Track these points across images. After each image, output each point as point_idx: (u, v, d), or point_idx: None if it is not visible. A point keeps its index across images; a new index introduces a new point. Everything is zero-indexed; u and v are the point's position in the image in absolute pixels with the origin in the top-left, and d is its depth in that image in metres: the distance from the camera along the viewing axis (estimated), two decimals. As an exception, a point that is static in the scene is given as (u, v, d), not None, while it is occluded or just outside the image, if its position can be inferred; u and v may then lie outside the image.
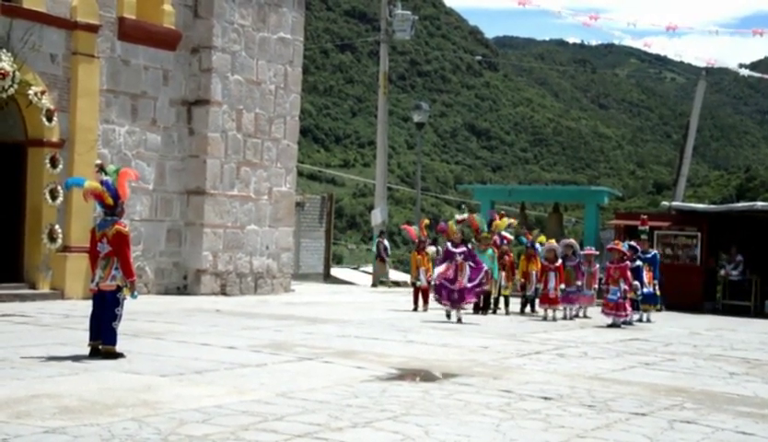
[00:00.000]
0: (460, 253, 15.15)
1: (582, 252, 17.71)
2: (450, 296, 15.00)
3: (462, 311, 15.27)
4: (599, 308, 16.44)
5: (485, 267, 15.45)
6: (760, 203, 22.83)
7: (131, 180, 9.84)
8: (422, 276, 17.46)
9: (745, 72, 29.55)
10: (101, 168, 9.79)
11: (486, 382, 8.76)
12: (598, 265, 17.10)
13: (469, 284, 14.96)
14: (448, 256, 15.19)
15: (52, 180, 15.65)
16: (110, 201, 9.42)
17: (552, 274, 16.63)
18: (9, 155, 15.92)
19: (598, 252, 16.99)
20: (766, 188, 54.89)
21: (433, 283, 15.84)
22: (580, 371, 9.88)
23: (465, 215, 16.36)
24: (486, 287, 15.95)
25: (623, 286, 15.54)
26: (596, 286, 17.60)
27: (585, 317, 17.32)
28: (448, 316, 15.12)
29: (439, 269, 15.20)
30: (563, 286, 16.75)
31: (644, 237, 17.65)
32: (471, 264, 15.10)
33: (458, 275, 14.97)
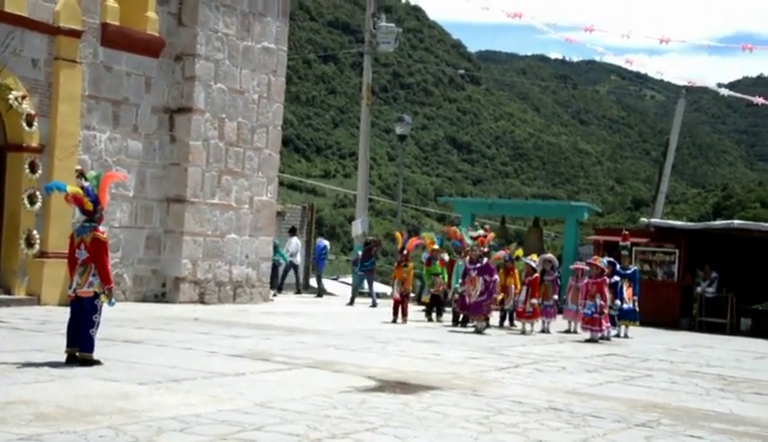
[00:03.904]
0: (474, 269, 16.01)
1: (575, 266, 17.87)
2: (466, 307, 16.13)
3: (483, 325, 16.15)
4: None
5: (495, 279, 16.11)
6: (737, 222, 23.05)
7: (120, 180, 9.79)
8: (395, 289, 17.58)
9: (725, 91, 29.87)
10: (81, 174, 9.74)
11: (465, 395, 8.78)
12: (587, 280, 17.12)
13: (478, 299, 15.82)
14: (466, 272, 16.20)
15: (31, 186, 15.53)
16: (89, 206, 9.37)
17: (524, 288, 16.77)
18: (-12, 159, 15.81)
19: (587, 267, 17.08)
20: (743, 206, 55.41)
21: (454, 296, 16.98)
22: (558, 385, 9.92)
23: (480, 233, 16.84)
24: (490, 304, 16.40)
25: (599, 301, 15.65)
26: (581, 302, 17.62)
27: (573, 331, 17.35)
28: (465, 324, 16.49)
29: (459, 284, 16.45)
30: (540, 300, 16.84)
31: (624, 252, 17.74)
32: (487, 278, 15.86)
33: (470, 290, 15.90)
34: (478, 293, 15.80)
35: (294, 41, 61.55)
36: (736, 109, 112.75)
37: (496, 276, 16.15)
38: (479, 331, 15.79)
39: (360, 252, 22.42)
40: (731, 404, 9.49)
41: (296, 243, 24.02)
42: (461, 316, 17.15)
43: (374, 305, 21.67)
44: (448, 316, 18.07)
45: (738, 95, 31.87)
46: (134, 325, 13.23)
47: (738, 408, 9.28)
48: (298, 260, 24.22)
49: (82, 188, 9.42)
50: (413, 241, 18.51)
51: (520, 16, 24.57)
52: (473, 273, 15.96)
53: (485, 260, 16.14)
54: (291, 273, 24.34)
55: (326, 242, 23.53)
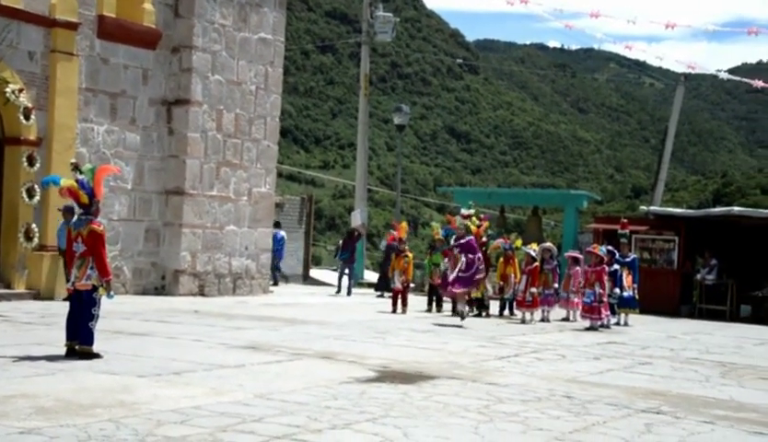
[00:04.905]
0: (456, 246, 15.48)
1: (568, 254, 17.93)
2: (447, 286, 15.45)
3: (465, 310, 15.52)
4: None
5: (479, 257, 15.50)
6: (737, 209, 23.03)
7: (113, 174, 9.75)
8: (396, 279, 17.57)
9: (725, 75, 29.89)
10: (76, 167, 9.71)
11: (465, 384, 8.78)
12: (578, 268, 17.20)
13: (459, 275, 15.16)
14: (448, 253, 15.75)
15: (30, 179, 15.52)
16: (85, 199, 9.35)
17: (524, 278, 16.76)
18: (-14, 152, 15.78)
19: (580, 255, 17.23)
20: (742, 193, 55.39)
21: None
22: (558, 374, 9.92)
23: (471, 211, 16.57)
24: (478, 280, 15.86)
25: (598, 290, 15.65)
26: (573, 289, 17.66)
27: (573, 320, 17.39)
28: (439, 309, 15.91)
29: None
30: (540, 289, 16.85)
31: (623, 240, 17.74)
32: (470, 255, 15.26)
33: (452, 268, 15.34)
34: (457, 270, 15.15)
35: (291, 32, 61.49)
36: (735, 95, 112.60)
37: (479, 254, 15.47)
38: (461, 316, 15.20)
39: (341, 242, 22.74)
40: (731, 391, 9.50)
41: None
42: (435, 300, 17.44)
43: (343, 293, 21.88)
44: (448, 306, 18.07)
45: (738, 78, 31.85)
46: (134, 318, 13.23)
47: (738, 394, 9.28)
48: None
49: (77, 181, 9.40)
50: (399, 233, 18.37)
51: (526, 2, 24.48)
52: (456, 251, 15.45)
53: (468, 237, 15.50)
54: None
55: (283, 233, 23.70)
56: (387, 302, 18.50)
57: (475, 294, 17.16)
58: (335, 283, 23.15)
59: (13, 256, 15.59)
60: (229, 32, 19.26)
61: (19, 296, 15.26)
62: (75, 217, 9.81)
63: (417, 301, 19.17)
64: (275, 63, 20.51)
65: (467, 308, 15.69)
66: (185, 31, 18.44)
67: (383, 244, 22.23)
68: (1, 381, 7.58)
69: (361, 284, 25.09)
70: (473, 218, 17.58)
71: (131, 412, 6.63)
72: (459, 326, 15.03)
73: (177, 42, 18.46)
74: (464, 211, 16.68)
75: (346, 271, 22.45)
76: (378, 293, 22.06)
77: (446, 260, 16.07)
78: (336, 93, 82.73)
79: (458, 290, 15.35)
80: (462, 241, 15.47)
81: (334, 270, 26.52)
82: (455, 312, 16.95)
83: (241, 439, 5.97)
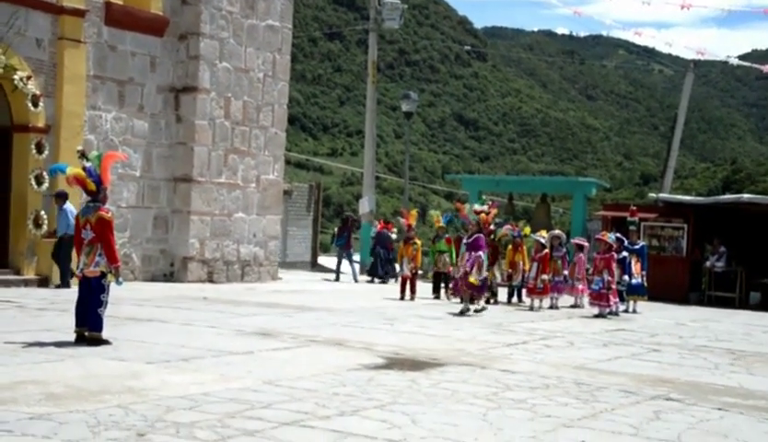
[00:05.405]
0: (465, 244, 15.15)
1: (574, 241, 17.91)
2: (455, 288, 15.28)
3: (471, 305, 14.95)
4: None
5: (479, 255, 14.88)
6: (746, 196, 22.92)
7: (120, 161, 9.76)
8: (404, 266, 17.57)
9: (734, 60, 29.69)
10: (83, 155, 9.71)
11: (473, 371, 8.77)
12: (582, 255, 17.19)
13: (461, 276, 14.82)
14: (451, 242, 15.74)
15: (38, 166, 15.54)
16: (92, 187, 9.36)
17: (534, 265, 16.74)
18: (-6, 140, 15.81)
19: (586, 242, 17.23)
20: (752, 180, 55.16)
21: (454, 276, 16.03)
22: (566, 361, 9.91)
23: (484, 207, 16.32)
24: (480, 277, 15.17)
25: (607, 277, 15.61)
26: (578, 276, 17.61)
27: (577, 306, 17.40)
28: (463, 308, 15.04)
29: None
30: (550, 276, 16.83)
31: (633, 228, 17.69)
32: (473, 253, 14.79)
33: (460, 267, 15.09)
34: (462, 271, 14.84)
35: (299, 19, 61.30)
36: (745, 82, 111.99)
37: (480, 253, 14.86)
38: (465, 310, 14.78)
39: (336, 229, 22.88)
40: (741, 378, 9.47)
41: None
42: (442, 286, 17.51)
43: (343, 279, 21.86)
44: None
45: (748, 64, 31.62)
46: (143, 304, 13.26)
47: (747, 382, 9.25)
48: None
49: (84, 168, 9.40)
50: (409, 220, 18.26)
51: None
52: (464, 250, 15.16)
53: (477, 235, 15.04)
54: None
55: None
56: (394, 289, 18.52)
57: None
58: (343, 270, 23.19)
59: (22, 243, 15.64)
60: (237, 19, 19.22)
61: (28, 283, 15.33)
62: (83, 205, 9.83)
63: (424, 288, 19.16)
64: (283, 51, 20.47)
65: (468, 306, 15.18)
66: (192, 18, 18.41)
67: (373, 231, 22.41)
68: (11, 367, 7.61)
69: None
70: (483, 198, 17.52)
71: (140, 398, 6.65)
72: (468, 313, 15.03)
73: (184, 29, 18.42)
74: (477, 206, 16.44)
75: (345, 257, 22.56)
76: (370, 278, 22.12)
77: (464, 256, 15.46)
78: (344, 80, 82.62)
79: (459, 292, 15.08)
80: (470, 240, 15.05)
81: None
82: (438, 295, 17.55)
83: (250, 425, 5.98)
